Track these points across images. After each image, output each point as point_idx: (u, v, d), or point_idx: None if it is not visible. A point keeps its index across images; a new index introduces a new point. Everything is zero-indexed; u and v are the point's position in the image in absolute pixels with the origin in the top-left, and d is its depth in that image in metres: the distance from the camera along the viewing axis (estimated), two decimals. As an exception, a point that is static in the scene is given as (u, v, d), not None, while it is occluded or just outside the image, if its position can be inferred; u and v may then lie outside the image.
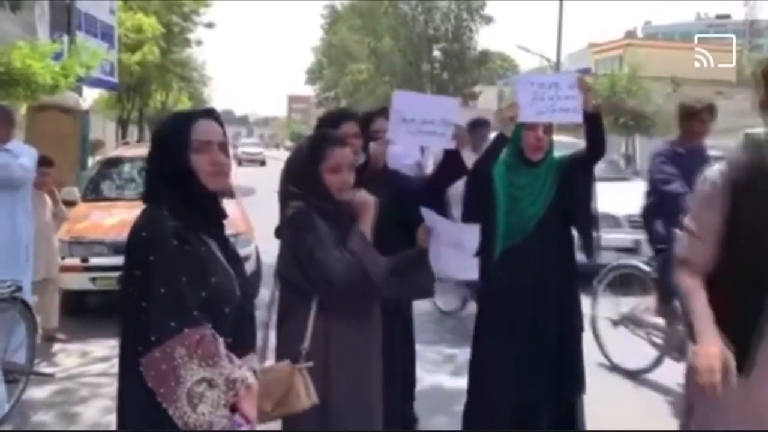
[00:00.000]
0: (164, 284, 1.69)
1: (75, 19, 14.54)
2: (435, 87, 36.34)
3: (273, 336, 2.46)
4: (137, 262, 1.74)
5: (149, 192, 1.89)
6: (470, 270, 2.83)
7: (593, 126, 3.14)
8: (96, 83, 16.33)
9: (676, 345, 4.53)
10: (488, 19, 35.95)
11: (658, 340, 4.84)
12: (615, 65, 33.03)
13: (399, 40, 35.72)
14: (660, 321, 4.81)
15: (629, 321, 5.04)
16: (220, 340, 1.74)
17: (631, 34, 43.67)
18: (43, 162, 5.11)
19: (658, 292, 4.71)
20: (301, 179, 2.41)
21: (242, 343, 1.89)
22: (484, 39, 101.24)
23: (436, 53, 36.85)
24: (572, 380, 3.26)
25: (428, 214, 2.54)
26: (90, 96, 17.55)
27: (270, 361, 2.36)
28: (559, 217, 3.23)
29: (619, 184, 7.94)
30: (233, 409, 1.75)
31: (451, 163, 3.16)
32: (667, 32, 51.69)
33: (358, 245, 2.30)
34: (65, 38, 13.94)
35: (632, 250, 7.04)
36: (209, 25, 29.50)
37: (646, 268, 4.91)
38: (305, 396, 2.15)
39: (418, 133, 3.05)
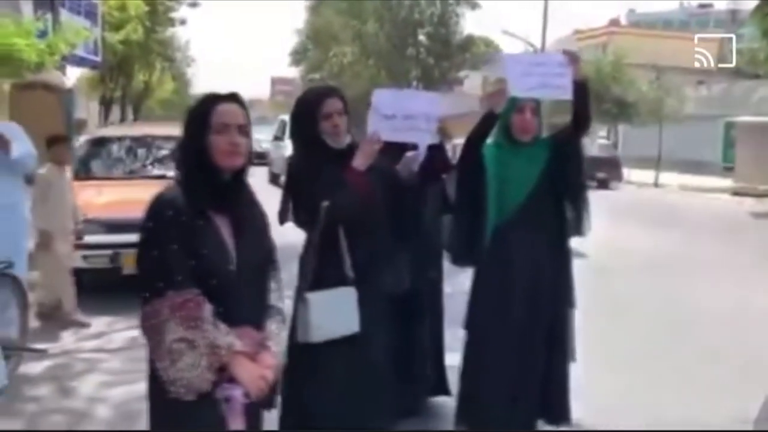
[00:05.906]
0: (156, 248, 1.88)
1: (59, -3, 14.31)
2: (420, 71, 36.28)
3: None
4: (141, 228, 1.94)
5: (176, 168, 2.11)
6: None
7: (580, 96, 3.16)
8: (80, 61, 16.13)
9: None
10: (474, 5, 35.88)
11: None
12: (599, 53, 33.19)
13: (384, 23, 35.55)
14: None
15: None
16: (208, 306, 1.86)
17: (615, 22, 43.82)
18: None
19: None
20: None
21: (238, 315, 1.93)
22: (470, 24, 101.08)
23: (422, 38, 36.74)
24: (562, 353, 3.36)
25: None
26: (73, 75, 17.32)
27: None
28: (550, 195, 3.29)
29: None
30: (229, 378, 1.86)
31: (435, 157, 3.15)
32: (651, 21, 51.94)
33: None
34: (49, 16, 13.75)
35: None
36: (193, 4, 29.25)
37: None
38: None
39: (401, 129, 2.99)
